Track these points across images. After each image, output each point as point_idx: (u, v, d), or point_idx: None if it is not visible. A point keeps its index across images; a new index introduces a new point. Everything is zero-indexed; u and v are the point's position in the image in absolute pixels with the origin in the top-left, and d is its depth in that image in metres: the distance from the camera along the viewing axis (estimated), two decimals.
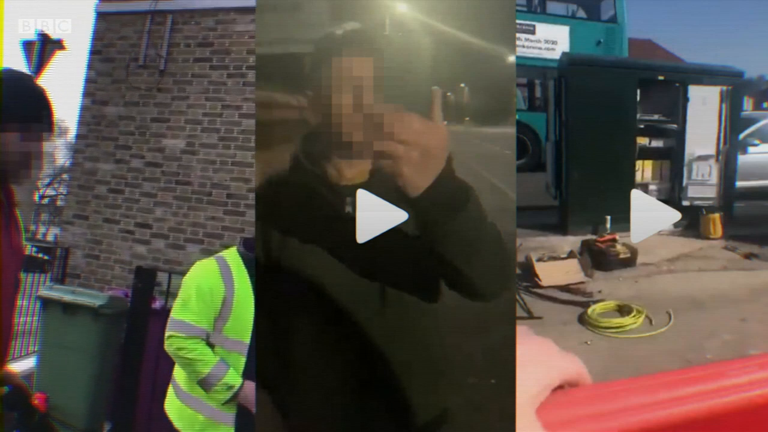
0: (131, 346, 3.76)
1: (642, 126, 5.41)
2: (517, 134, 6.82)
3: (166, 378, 3.37)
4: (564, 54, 6.19)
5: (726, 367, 0.59)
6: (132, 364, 3.72)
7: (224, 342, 2.14)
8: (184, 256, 4.89)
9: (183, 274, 4.34)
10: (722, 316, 3.51)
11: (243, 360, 2.15)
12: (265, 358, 1.20)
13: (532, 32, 7.12)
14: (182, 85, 5.19)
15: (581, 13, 7.90)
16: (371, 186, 1.04)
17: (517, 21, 6.72)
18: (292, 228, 1.12)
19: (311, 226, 1.12)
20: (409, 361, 1.16)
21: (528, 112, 7.72)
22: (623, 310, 3.62)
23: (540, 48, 7.11)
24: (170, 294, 3.96)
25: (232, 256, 2.25)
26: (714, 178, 5.32)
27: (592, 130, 5.05)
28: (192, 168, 5.06)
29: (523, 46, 7.00)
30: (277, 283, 1.13)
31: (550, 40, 7.14)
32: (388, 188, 0.99)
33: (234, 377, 2.10)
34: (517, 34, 6.73)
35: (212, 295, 2.13)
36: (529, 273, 4.11)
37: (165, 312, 3.82)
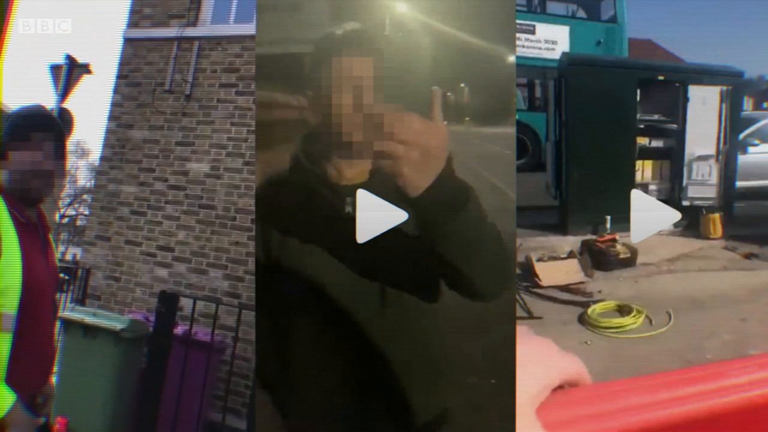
0: (152, 371, 3.69)
1: (642, 126, 5.41)
2: (517, 134, 6.82)
3: (188, 405, 3.31)
4: (564, 54, 6.19)
5: (726, 367, 0.59)
6: (153, 390, 3.65)
7: None
8: (206, 281, 4.82)
9: (207, 300, 4.25)
10: (722, 316, 3.51)
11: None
12: (265, 358, 1.19)
13: (532, 32, 7.11)
14: (208, 110, 5.17)
15: (581, 13, 7.90)
16: (371, 186, 1.04)
17: (517, 21, 6.71)
18: (292, 228, 1.12)
19: (311, 226, 1.12)
20: (409, 361, 1.16)
21: (528, 112, 7.72)
22: (623, 310, 3.62)
23: (540, 48, 7.11)
24: (194, 320, 3.94)
25: None
26: (714, 178, 5.32)
27: (592, 130, 5.05)
28: (216, 192, 5.01)
29: (523, 46, 7.00)
30: (277, 283, 1.13)
31: (550, 40, 7.14)
32: (388, 188, 0.99)
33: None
34: (517, 34, 6.72)
35: None
36: (529, 273, 4.11)
37: (188, 338, 3.76)
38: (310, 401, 1.17)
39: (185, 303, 4.14)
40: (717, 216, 5.06)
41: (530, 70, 7.24)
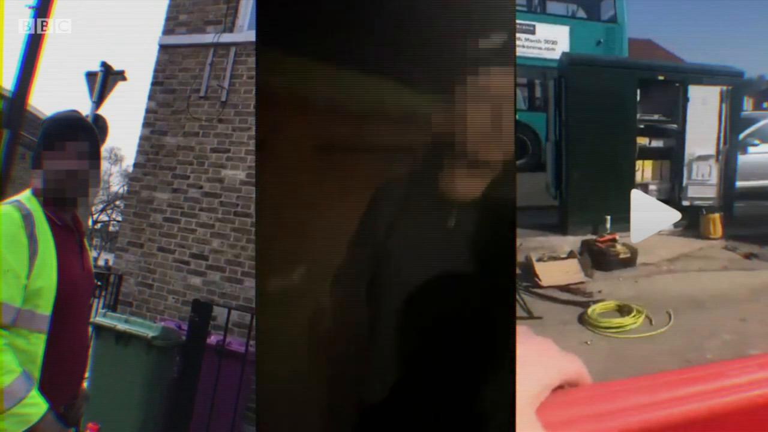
0: (184, 380, 3.64)
1: (642, 126, 5.41)
2: (517, 134, 6.80)
3: (221, 416, 3.24)
4: (564, 54, 6.19)
5: (726, 367, 0.59)
6: (184, 400, 3.60)
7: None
8: (241, 290, 4.74)
9: (241, 309, 4.22)
10: (722, 316, 3.51)
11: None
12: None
13: (532, 32, 7.12)
14: (244, 116, 5.12)
15: (581, 13, 7.90)
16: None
17: (517, 21, 6.70)
18: None
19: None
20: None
21: (528, 112, 7.72)
22: (623, 310, 3.62)
23: (540, 48, 7.11)
24: (229, 330, 3.91)
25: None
26: (714, 178, 5.32)
27: (592, 130, 5.05)
28: (252, 200, 4.89)
29: (523, 46, 7.00)
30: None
31: (550, 40, 7.14)
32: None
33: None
34: (517, 34, 6.71)
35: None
36: (529, 273, 4.11)
37: (221, 348, 3.72)
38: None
39: (219, 312, 4.08)
40: (717, 216, 5.06)
41: (530, 70, 7.24)
